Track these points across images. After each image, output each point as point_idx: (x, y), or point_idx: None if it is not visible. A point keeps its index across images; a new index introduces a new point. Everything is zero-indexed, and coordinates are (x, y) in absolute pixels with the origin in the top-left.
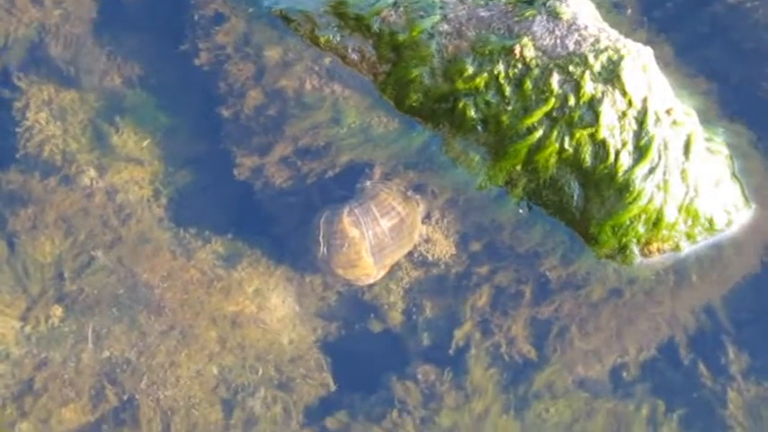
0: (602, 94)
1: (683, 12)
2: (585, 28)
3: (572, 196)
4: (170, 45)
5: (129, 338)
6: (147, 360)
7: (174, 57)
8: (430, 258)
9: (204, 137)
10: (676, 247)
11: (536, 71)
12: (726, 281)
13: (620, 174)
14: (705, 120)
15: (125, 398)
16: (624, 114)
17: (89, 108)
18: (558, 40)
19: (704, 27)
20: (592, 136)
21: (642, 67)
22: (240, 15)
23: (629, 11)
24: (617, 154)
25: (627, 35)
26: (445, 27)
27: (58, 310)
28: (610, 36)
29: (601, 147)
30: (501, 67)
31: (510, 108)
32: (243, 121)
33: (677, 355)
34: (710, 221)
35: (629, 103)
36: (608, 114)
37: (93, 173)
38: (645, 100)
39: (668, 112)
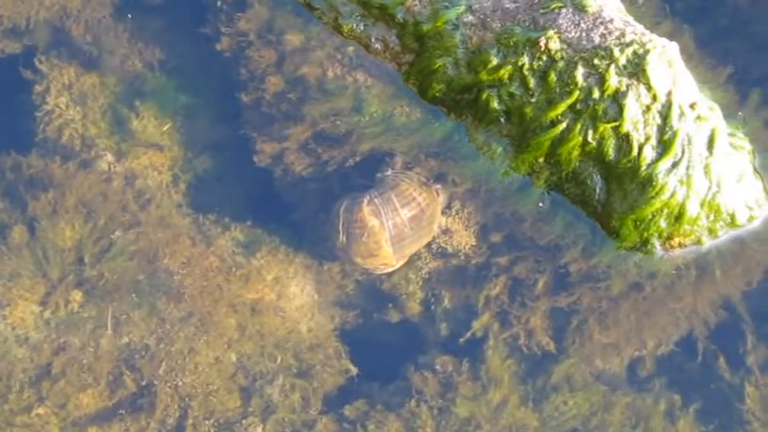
0: (627, 87)
1: (704, 4)
2: (611, 21)
3: (594, 189)
4: (191, 29)
5: (148, 325)
6: (165, 347)
7: (195, 41)
8: (449, 249)
9: (224, 122)
10: (698, 242)
11: (561, 64)
12: (746, 275)
13: (643, 168)
14: (727, 114)
15: (143, 384)
16: (648, 108)
17: (109, 92)
18: (584, 33)
19: (725, 20)
20: (615, 129)
21: (668, 61)
22: (263, 2)
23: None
24: (640, 148)
25: (650, 28)
26: (470, 18)
27: (77, 295)
28: (635, 30)
29: (624, 140)
30: (525, 59)
31: (534, 100)
32: (263, 107)
33: (695, 349)
34: (732, 216)
35: (654, 98)
36: (632, 108)
37: (110, 158)
38: (669, 94)
39: (692, 106)
